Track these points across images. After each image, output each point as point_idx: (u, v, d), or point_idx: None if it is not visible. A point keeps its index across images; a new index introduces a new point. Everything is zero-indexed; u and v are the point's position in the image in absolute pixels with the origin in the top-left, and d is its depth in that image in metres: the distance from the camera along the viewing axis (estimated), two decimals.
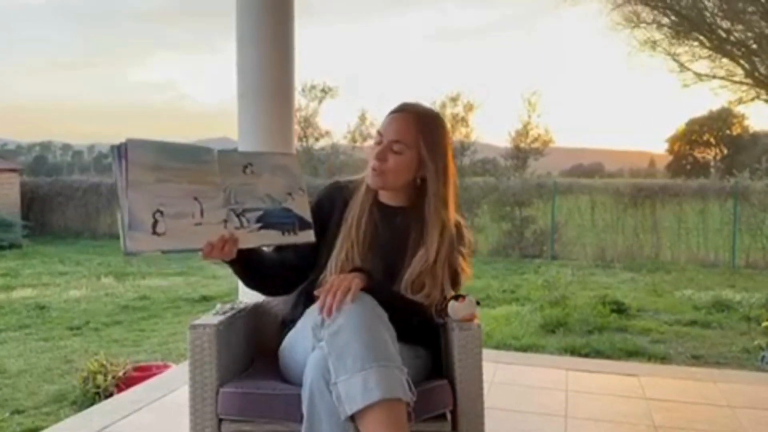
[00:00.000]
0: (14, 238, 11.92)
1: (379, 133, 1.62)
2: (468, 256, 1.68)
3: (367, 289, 1.41)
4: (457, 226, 1.67)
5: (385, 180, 1.61)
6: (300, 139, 16.68)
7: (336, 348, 1.30)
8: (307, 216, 1.51)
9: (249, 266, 1.54)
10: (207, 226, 1.33)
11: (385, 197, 1.68)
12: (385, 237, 1.62)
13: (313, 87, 17.14)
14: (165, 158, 1.30)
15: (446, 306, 1.58)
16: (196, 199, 1.32)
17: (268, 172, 1.47)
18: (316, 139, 17.66)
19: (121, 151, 1.25)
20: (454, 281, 1.63)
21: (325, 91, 17.29)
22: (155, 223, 1.25)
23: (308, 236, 1.51)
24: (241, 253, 1.42)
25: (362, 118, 17.71)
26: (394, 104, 1.65)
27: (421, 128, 1.60)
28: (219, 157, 1.39)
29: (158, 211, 1.26)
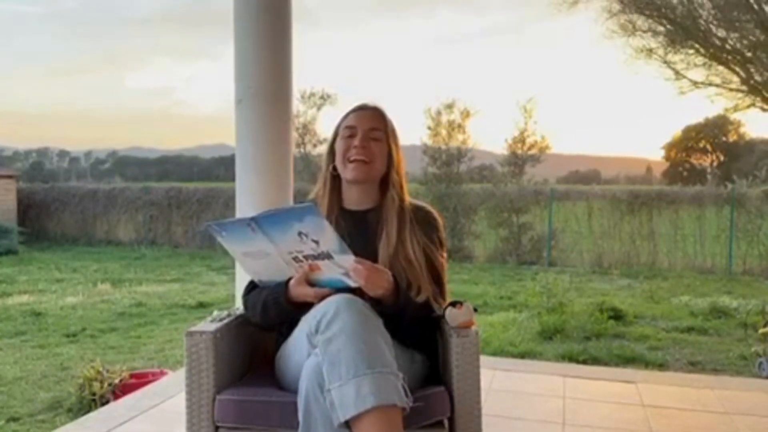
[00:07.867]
0: (10, 245, 11.89)
1: (350, 127, 1.64)
2: (443, 243, 1.70)
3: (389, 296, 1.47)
4: (428, 214, 1.69)
5: (372, 168, 1.63)
6: (298, 146, 16.67)
7: (329, 355, 1.30)
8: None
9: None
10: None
11: (351, 203, 1.68)
12: (359, 243, 1.52)
13: (312, 94, 17.14)
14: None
15: (444, 312, 1.58)
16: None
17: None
18: (314, 146, 17.65)
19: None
20: (438, 277, 1.64)
21: (324, 98, 17.29)
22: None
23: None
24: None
25: None
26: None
27: (387, 120, 1.67)
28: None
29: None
